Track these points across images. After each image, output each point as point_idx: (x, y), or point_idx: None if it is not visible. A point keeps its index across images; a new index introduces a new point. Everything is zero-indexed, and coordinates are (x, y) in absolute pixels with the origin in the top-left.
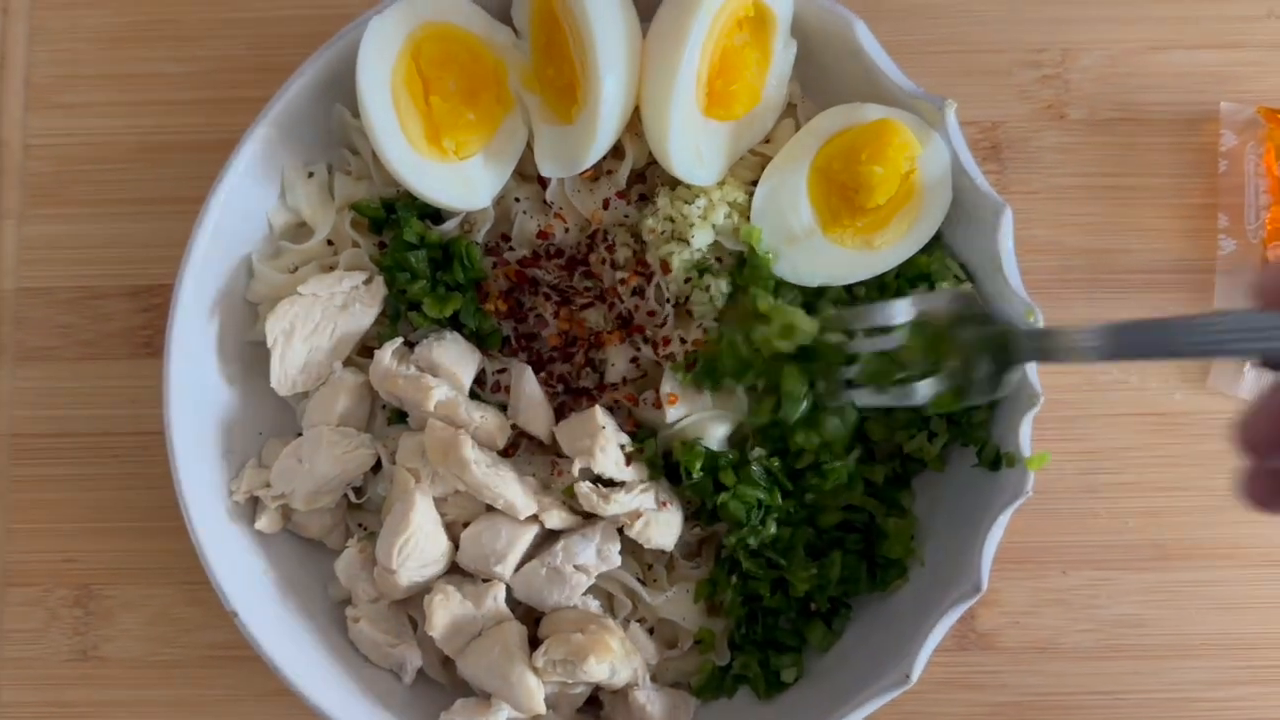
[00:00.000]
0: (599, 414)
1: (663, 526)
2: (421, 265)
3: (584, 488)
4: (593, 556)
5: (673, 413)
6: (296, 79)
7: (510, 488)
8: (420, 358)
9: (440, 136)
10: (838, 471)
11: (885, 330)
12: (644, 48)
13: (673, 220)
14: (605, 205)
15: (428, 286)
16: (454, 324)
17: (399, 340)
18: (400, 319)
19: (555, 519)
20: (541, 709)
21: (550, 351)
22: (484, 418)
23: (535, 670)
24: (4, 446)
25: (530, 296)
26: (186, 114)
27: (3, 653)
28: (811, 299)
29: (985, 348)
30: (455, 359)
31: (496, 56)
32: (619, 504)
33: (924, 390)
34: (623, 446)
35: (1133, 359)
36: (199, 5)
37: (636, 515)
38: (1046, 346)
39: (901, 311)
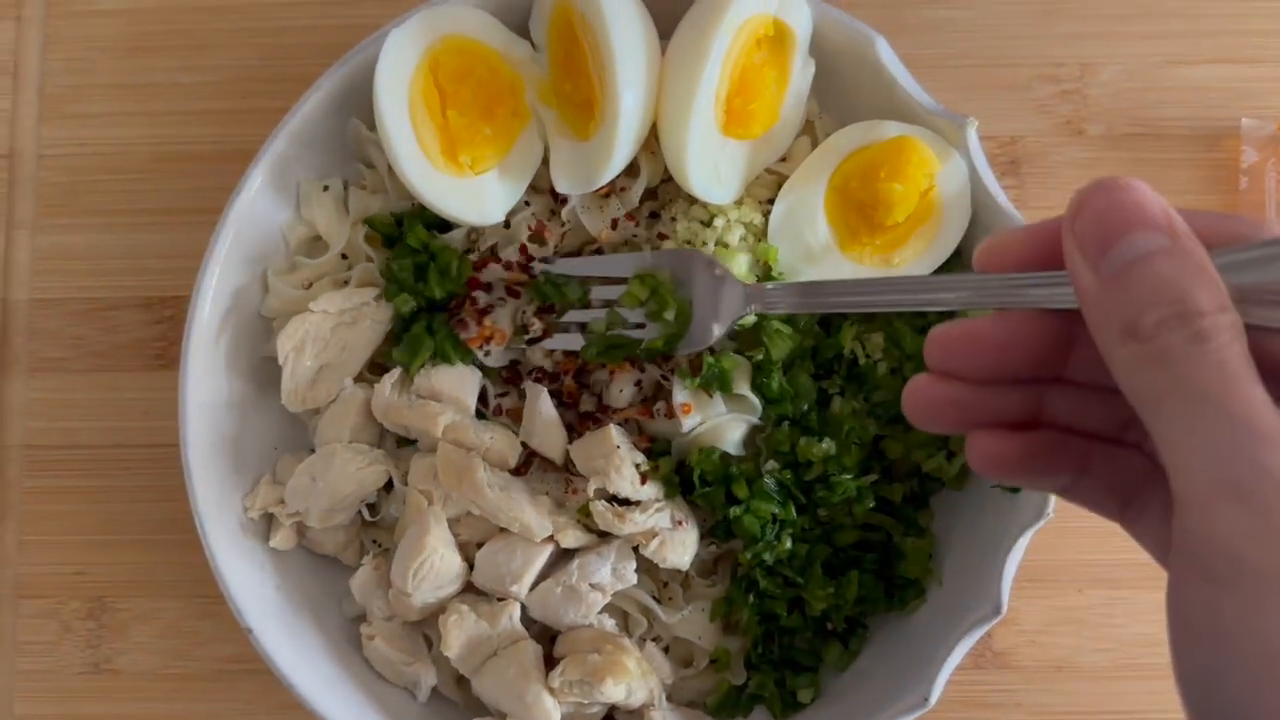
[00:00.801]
0: (614, 433)
1: (678, 546)
2: (407, 274)
3: (599, 507)
4: (608, 575)
5: (688, 421)
6: (314, 92)
7: (525, 510)
8: (420, 386)
9: (457, 151)
10: (845, 484)
11: (617, 283)
12: (663, 65)
13: (690, 244)
14: (614, 225)
15: (409, 297)
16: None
17: (397, 371)
18: (399, 341)
19: (570, 538)
20: None
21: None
22: (494, 438)
23: (551, 691)
24: (16, 458)
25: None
26: (200, 124)
27: (16, 665)
28: (830, 316)
29: (700, 300)
30: (456, 383)
31: (514, 71)
32: (635, 523)
33: (644, 334)
34: (638, 465)
35: (822, 310)
36: (213, 15)
37: (652, 534)
38: (749, 295)
39: (627, 265)
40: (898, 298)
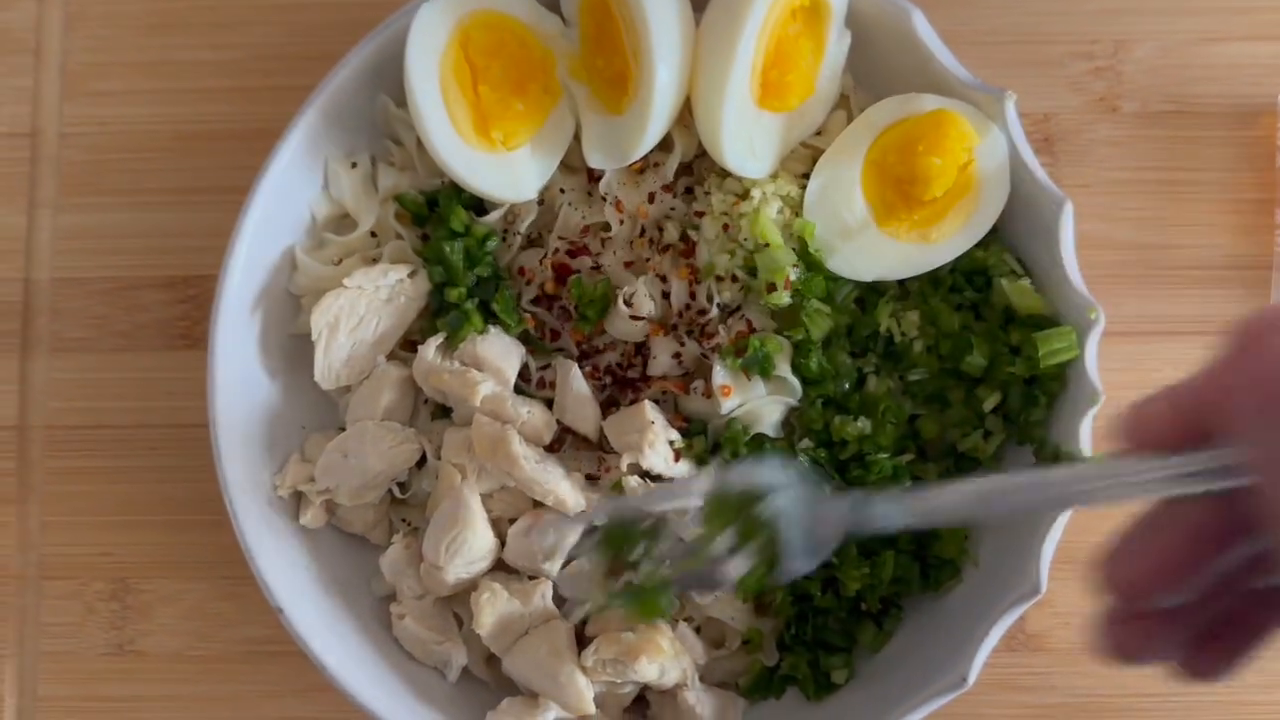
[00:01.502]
0: (648, 409)
1: None
2: (457, 258)
3: (633, 483)
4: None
5: (728, 404)
6: (342, 67)
7: (560, 483)
8: (464, 353)
9: (488, 127)
10: (881, 464)
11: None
12: (697, 37)
13: (727, 219)
14: (651, 199)
15: (463, 287)
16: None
17: (441, 336)
18: (443, 313)
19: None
20: (591, 709)
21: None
22: (530, 413)
23: (584, 670)
24: (39, 438)
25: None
26: (223, 102)
27: (40, 646)
28: (866, 294)
29: (791, 519)
30: (499, 354)
31: (545, 46)
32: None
33: (730, 571)
34: (671, 442)
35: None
36: None
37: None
38: (856, 517)
39: (695, 491)
40: (1027, 499)
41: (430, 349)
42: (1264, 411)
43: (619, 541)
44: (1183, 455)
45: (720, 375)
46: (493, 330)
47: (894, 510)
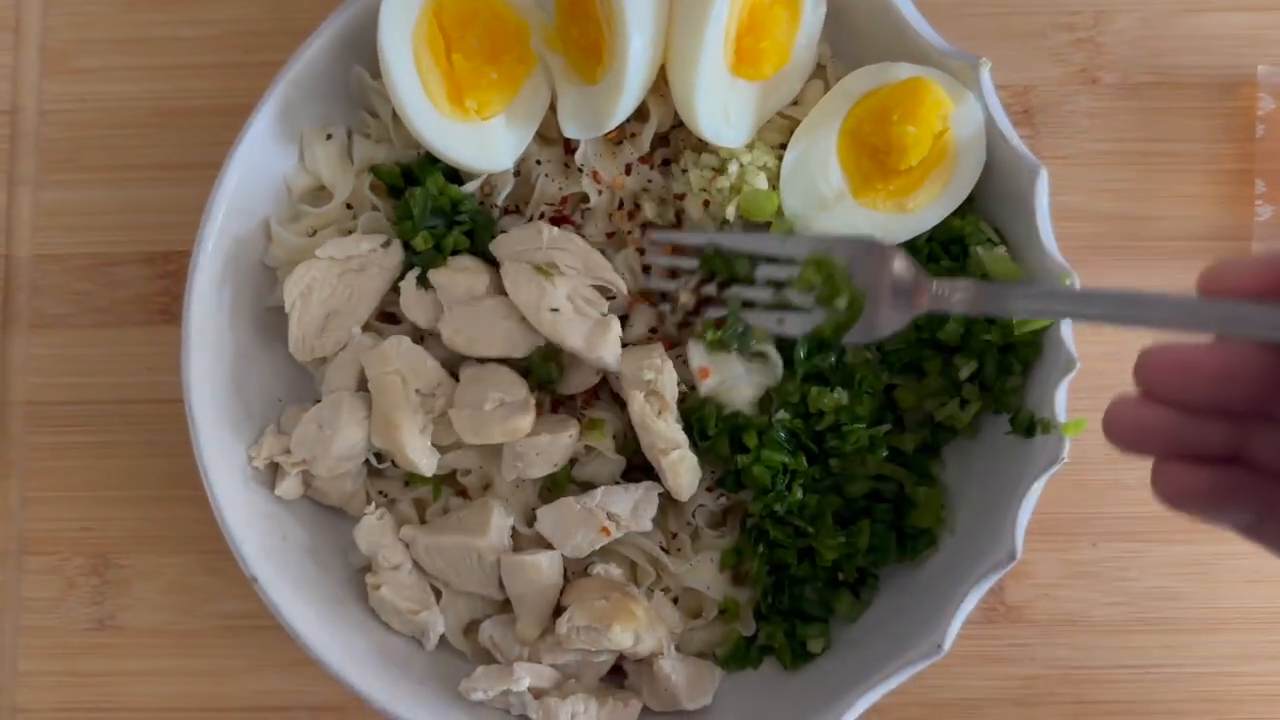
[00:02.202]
0: (660, 350)
1: (690, 470)
2: (418, 207)
3: (640, 401)
4: (628, 510)
5: (705, 386)
6: (316, 38)
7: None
8: (441, 274)
9: (462, 96)
10: (858, 433)
11: (787, 263)
12: (671, 4)
13: (707, 195)
14: (628, 171)
15: (429, 235)
16: None
17: (417, 270)
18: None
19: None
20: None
21: None
22: None
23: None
24: (20, 414)
25: None
26: (203, 78)
27: (21, 621)
28: None
29: (876, 291)
30: (479, 267)
31: (519, 15)
32: (667, 426)
33: (808, 320)
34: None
35: (1011, 315)
36: None
37: (675, 446)
38: (932, 294)
39: (802, 246)
40: (1104, 310)
41: (410, 282)
42: None
43: (718, 264)
44: (1257, 306)
45: (697, 358)
46: (464, 255)
47: (971, 301)
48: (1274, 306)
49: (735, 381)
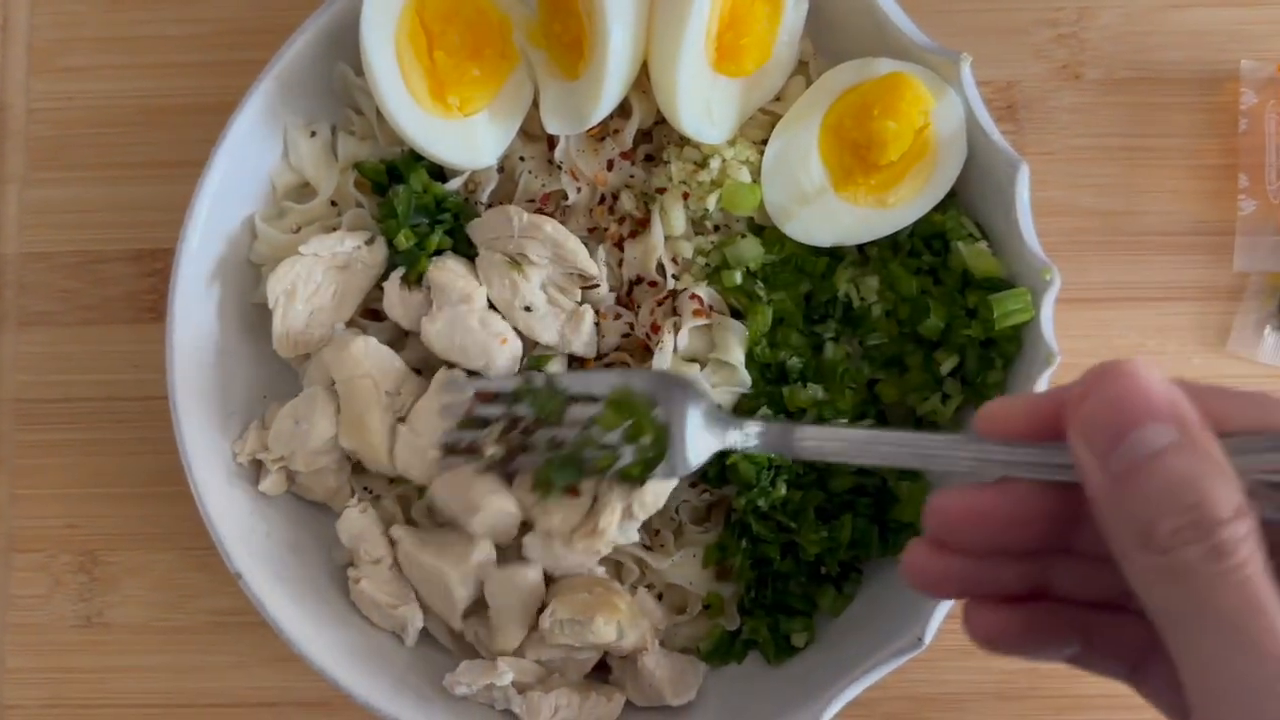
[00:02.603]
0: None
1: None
2: (403, 205)
3: (553, 366)
4: (614, 524)
5: None
6: (299, 35)
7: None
8: (430, 279)
9: (445, 92)
10: None
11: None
12: (652, 0)
13: (686, 188)
14: (610, 166)
15: (411, 232)
16: None
17: (401, 270)
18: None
19: None
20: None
21: None
22: None
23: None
24: (8, 411)
25: None
26: (189, 76)
27: (7, 618)
28: (824, 258)
29: (679, 428)
30: (467, 270)
31: (501, 11)
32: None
33: (623, 459)
34: None
35: (809, 458)
36: None
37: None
38: (730, 431)
39: (604, 383)
40: (892, 451)
41: (394, 282)
42: (1092, 446)
43: (530, 399)
44: (1035, 447)
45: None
46: (449, 253)
47: (768, 440)
48: (1045, 446)
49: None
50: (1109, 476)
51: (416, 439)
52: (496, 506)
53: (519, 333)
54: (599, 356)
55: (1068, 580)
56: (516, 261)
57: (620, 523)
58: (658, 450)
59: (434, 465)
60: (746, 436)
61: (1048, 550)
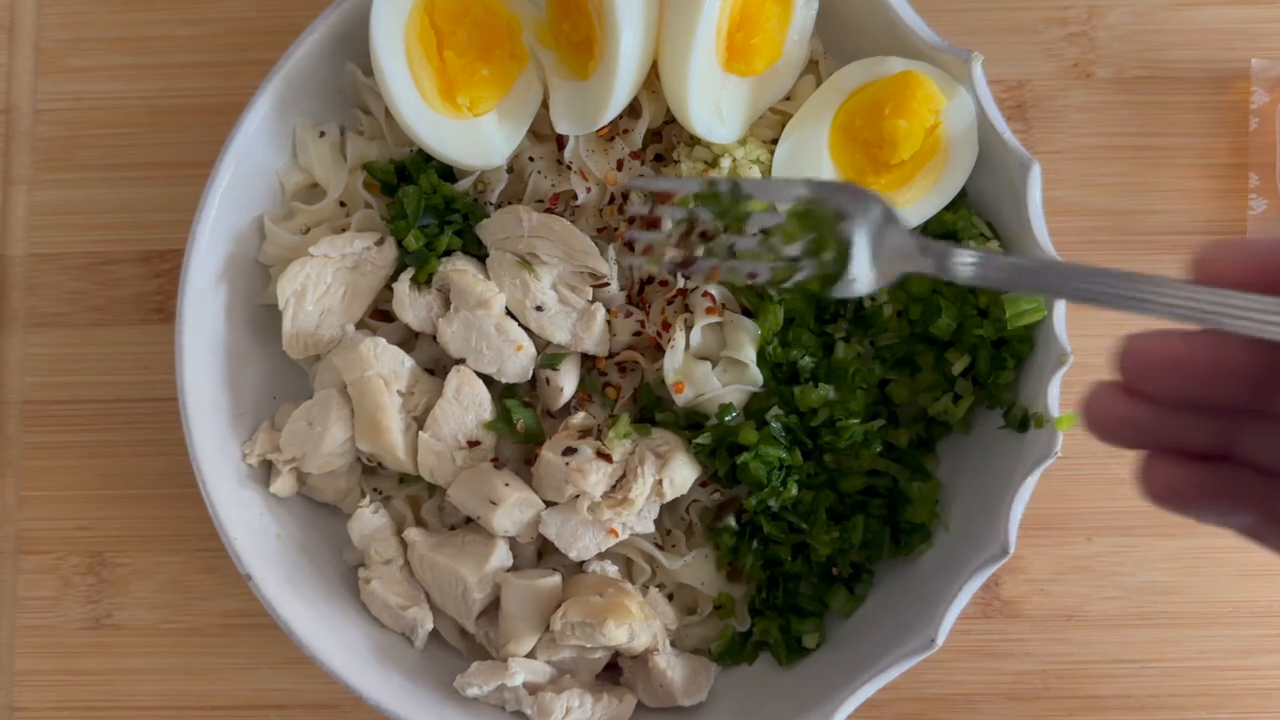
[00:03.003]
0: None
1: (683, 465)
2: (412, 204)
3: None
4: (626, 518)
5: (681, 399)
6: (308, 35)
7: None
8: (442, 277)
9: (454, 92)
10: (851, 429)
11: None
12: (662, 1)
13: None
14: (619, 166)
15: (420, 233)
16: None
17: (411, 270)
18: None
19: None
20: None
21: None
22: None
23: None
24: (16, 413)
25: None
26: (196, 77)
27: (17, 620)
28: None
29: (862, 245)
30: (478, 269)
31: (511, 11)
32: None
33: (803, 272)
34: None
35: (1003, 289)
36: None
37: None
38: (921, 250)
39: (789, 192)
40: (1098, 288)
41: (404, 284)
42: None
43: (710, 200)
44: (1252, 297)
45: (671, 372)
46: (458, 253)
47: (960, 264)
48: (1263, 297)
49: (712, 394)
50: None
51: (437, 443)
52: (517, 498)
53: (530, 332)
54: (609, 356)
55: (1258, 445)
56: (527, 261)
57: (648, 499)
58: (840, 265)
59: (458, 468)
60: (939, 263)
61: (1243, 410)
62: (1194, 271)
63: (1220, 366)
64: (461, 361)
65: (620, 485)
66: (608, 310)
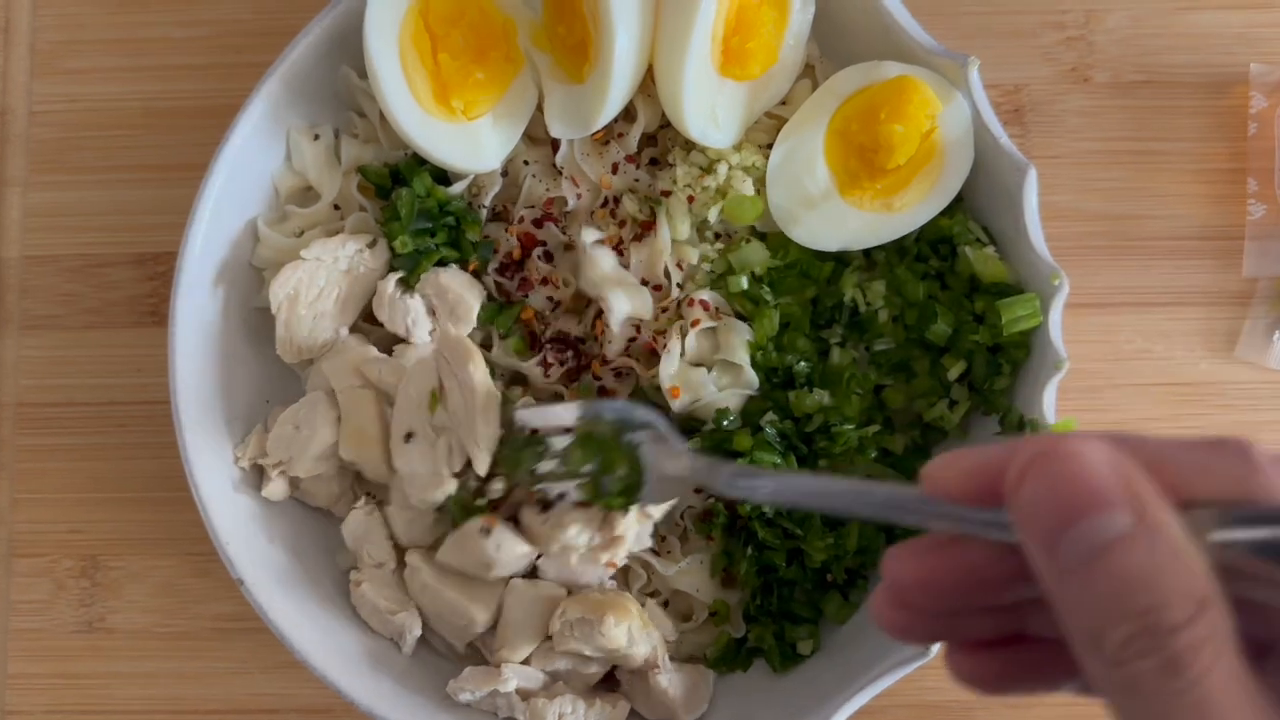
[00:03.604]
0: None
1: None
2: (405, 207)
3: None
4: (631, 535)
5: (677, 404)
6: (303, 37)
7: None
8: (427, 284)
9: (449, 95)
10: (847, 435)
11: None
12: (658, 3)
13: (691, 192)
14: (614, 170)
15: (408, 239)
16: None
17: (400, 273)
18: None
19: None
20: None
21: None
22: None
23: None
24: (9, 416)
25: (535, 261)
26: (191, 79)
27: (9, 624)
28: (831, 263)
29: (649, 460)
30: (463, 284)
31: (506, 14)
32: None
33: (606, 487)
34: None
35: (774, 503)
36: None
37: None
38: (695, 471)
39: (569, 417)
40: (850, 504)
41: (389, 284)
42: (1035, 536)
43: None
44: (980, 510)
45: (668, 377)
46: (452, 266)
47: (734, 484)
48: (995, 510)
49: (709, 399)
50: (1054, 571)
51: (406, 512)
52: (511, 556)
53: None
54: (605, 362)
55: (1045, 626)
56: (439, 393)
57: (636, 526)
58: (635, 476)
59: (440, 529)
60: (715, 481)
61: (1016, 603)
62: (926, 488)
63: (975, 575)
64: None
65: (606, 523)
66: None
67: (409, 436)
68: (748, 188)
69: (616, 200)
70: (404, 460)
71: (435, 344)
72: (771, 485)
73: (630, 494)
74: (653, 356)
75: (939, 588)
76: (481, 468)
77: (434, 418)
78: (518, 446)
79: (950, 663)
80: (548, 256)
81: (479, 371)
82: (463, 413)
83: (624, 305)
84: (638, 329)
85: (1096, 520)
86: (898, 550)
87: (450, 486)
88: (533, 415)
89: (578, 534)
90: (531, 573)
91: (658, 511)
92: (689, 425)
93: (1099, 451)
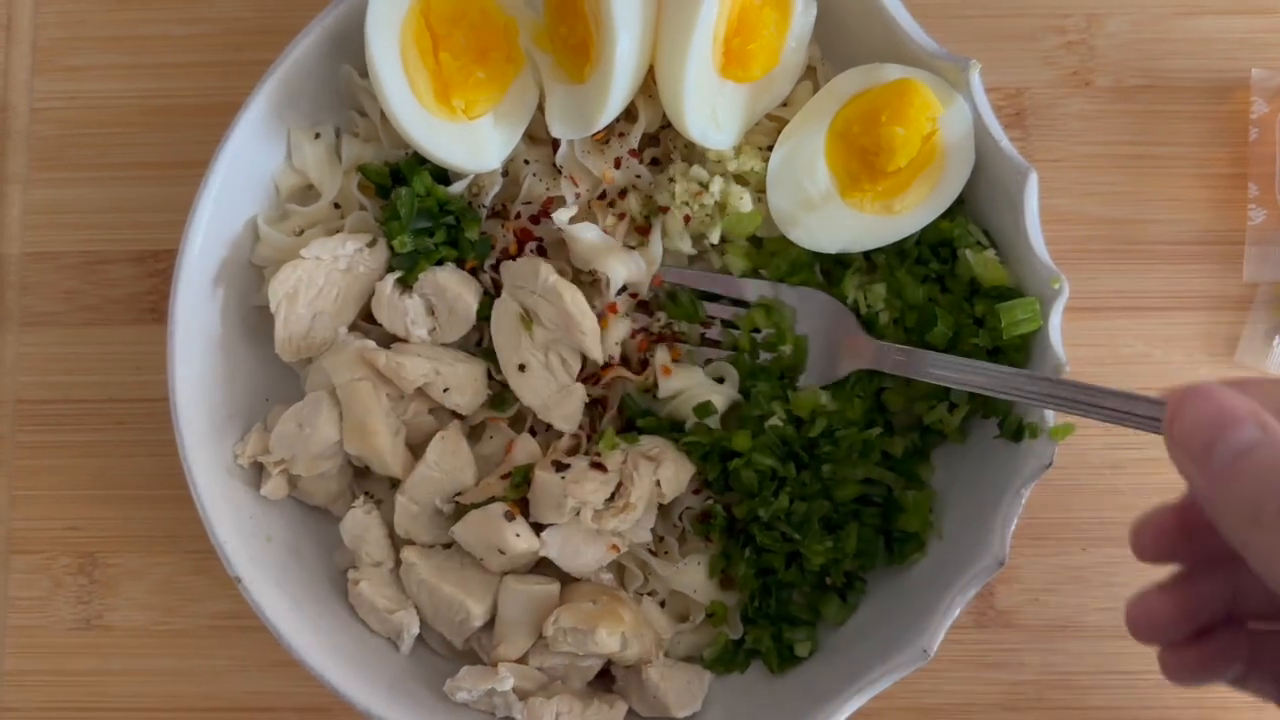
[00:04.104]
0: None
1: (679, 466)
2: (404, 206)
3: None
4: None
5: (667, 385)
6: (304, 36)
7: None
8: (425, 283)
9: (450, 95)
10: (850, 437)
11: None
12: (660, 4)
13: (688, 209)
14: (617, 164)
15: (407, 239)
16: None
17: (398, 273)
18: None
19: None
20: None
21: None
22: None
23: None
24: (8, 413)
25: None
26: (192, 77)
27: (6, 620)
28: (832, 267)
29: (819, 340)
30: (460, 281)
31: (507, 14)
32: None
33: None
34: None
35: (940, 383)
36: None
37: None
38: (872, 352)
39: (752, 290)
40: (1020, 385)
41: (388, 284)
42: (1191, 455)
43: (672, 310)
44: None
45: (663, 355)
46: (450, 264)
47: (912, 363)
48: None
49: (697, 391)
50: (1211, 476)
51: (414, 506)
52: (520, 549)
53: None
54: (603, 368)
55: (1253, 599)
56: (525, 319)
57: (648, 503)
58: (797, 357)
59: (438, 530)
60: (888, 361)
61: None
62: (1136, 549)
63: (1189, 524)
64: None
65: (619, 493)
66: (603, 316)
67: (522, 368)
68: (745, 203)
69: (621, 194)
70: (528, 392)
71: (505, 279)
72: (954, 376)
73: (792, 374)
74: (644, 361)
75: (1168, 531)
76: (596, 354)
77: (534, 340)
78: (691, 298)
79: (1170, 663)
80: (542, 251)
81: (553, 275)
82: (558, 317)
83: (621, 271)
84: (634, 336)
85: (1234, 433)
86: (1137, 607)
87: (580, 392)
88: (713, 280)
89: (594, 490)
90: (533, 568)
91: (669, 488)
92: (675, 423)
93: (1228, 389)
